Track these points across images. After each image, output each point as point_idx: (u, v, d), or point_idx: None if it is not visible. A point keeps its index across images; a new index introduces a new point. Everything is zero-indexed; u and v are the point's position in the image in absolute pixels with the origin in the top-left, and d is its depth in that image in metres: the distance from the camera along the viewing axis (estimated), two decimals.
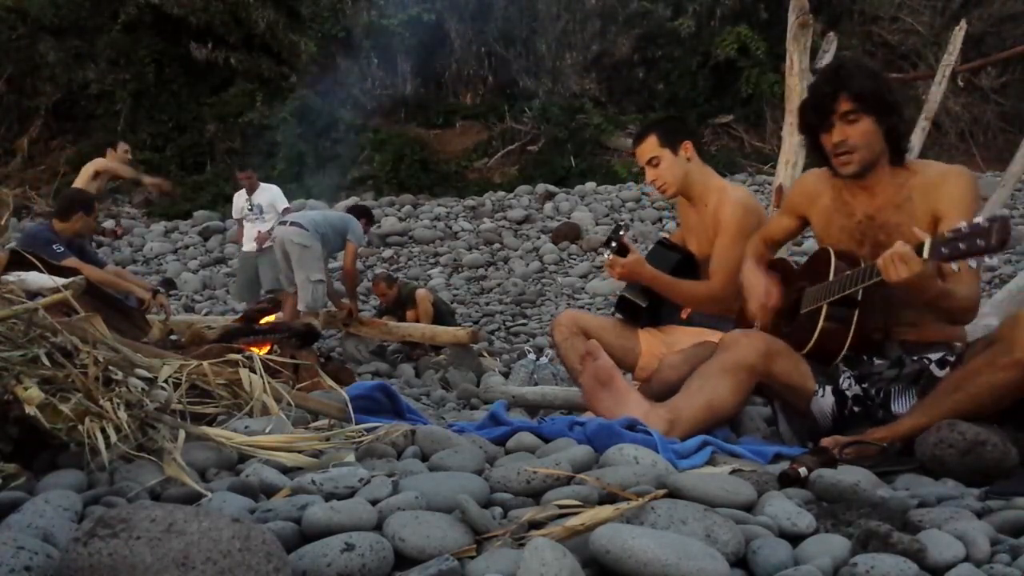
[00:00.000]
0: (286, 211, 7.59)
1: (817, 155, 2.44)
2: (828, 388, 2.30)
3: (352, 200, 13.70)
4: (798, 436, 2.43)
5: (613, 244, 3.18)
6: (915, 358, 2.26)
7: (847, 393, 2.27)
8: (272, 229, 7.29)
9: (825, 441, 2.03)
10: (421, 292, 7.67)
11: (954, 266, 1.92)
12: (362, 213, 7.52)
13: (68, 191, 5.79)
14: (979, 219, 1.87)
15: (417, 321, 7.27)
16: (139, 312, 4.69)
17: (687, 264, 3.07)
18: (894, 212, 2.28)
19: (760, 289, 2.56)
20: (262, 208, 7.62)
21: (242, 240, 7.87)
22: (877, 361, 2.31)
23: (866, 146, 2.26)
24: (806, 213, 2.56)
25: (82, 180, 6.85)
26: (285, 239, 6.55)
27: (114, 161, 7.27)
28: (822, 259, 2.39)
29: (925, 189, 2.25)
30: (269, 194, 7.75)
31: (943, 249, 1.91)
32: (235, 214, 8.04)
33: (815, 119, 2.32)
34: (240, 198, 7.81)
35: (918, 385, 2.20)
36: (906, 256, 1.97)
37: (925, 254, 1.95)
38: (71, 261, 4.70)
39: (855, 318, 2.26)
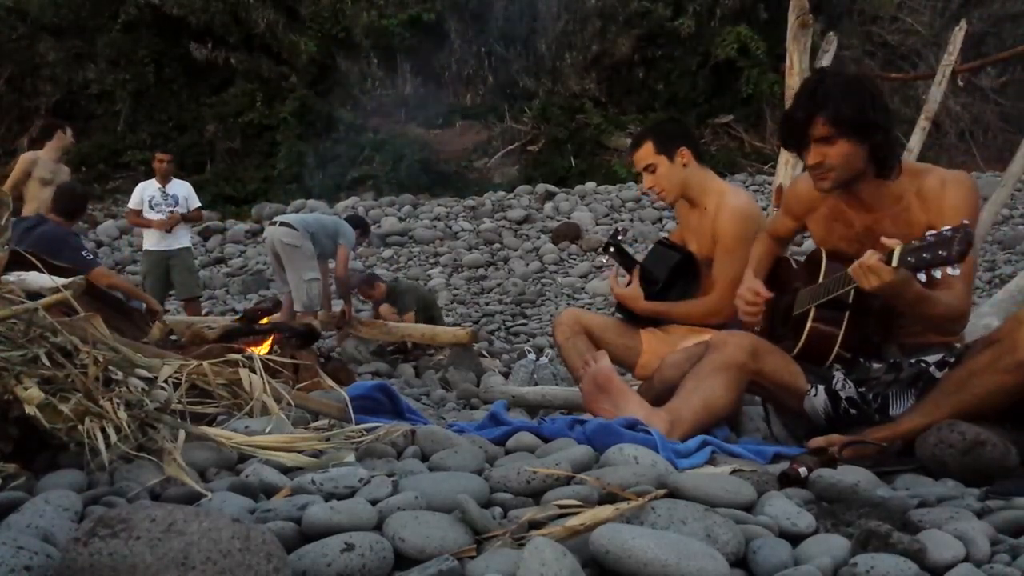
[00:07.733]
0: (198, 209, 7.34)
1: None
2: (821, 387, 2.30)
3: (352, 200, 13.71)
4: (793, 436, 2.43)
5: (611, 249, 3.19)
6: (912, 361, 2.24)
7: (841, 394, 2.27)
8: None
9: (816, 441, 2.02)
10: (385, 308, 7.49)
11: (921, 276, 1.91)
12: (358, 224, 7.41)
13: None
14: (945, 228, 1.87)
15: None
16: (139, 312, 4.68)
17: (687, 264, 3.06)
18: (892, 224, 2.25)
19: (744, 288, 2.55)
20: (177, 200, 6.98)
21: (145, 235, 7.09)
22: (875, 365, 2.30)
23: (844, 166, 2.21)
24: (803, 218, 2.55)
25: (11, 184, 5.92)
26: (275, 239, 6.51)
27: (52, 150, 6.24)
28: (815, 260, 2.40)
29: (923, 198, 2.22)
30: (185, 188, 7.13)
31: (909, 258, 1.91)
32: (135, 204, 7.01)
33: (792, 143, 2.30)
34: (150, 186, 7.00)
35: (916, 387, 2.19)
36: (875, 267, 1.97)
37: (894, 263, 1.94)
38: (100, 270, 4.62)
39: (845, 320, 2.26)
